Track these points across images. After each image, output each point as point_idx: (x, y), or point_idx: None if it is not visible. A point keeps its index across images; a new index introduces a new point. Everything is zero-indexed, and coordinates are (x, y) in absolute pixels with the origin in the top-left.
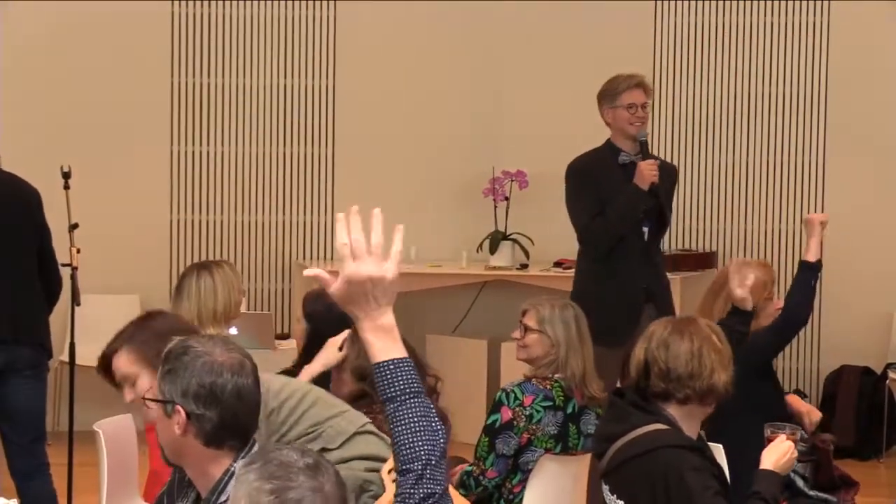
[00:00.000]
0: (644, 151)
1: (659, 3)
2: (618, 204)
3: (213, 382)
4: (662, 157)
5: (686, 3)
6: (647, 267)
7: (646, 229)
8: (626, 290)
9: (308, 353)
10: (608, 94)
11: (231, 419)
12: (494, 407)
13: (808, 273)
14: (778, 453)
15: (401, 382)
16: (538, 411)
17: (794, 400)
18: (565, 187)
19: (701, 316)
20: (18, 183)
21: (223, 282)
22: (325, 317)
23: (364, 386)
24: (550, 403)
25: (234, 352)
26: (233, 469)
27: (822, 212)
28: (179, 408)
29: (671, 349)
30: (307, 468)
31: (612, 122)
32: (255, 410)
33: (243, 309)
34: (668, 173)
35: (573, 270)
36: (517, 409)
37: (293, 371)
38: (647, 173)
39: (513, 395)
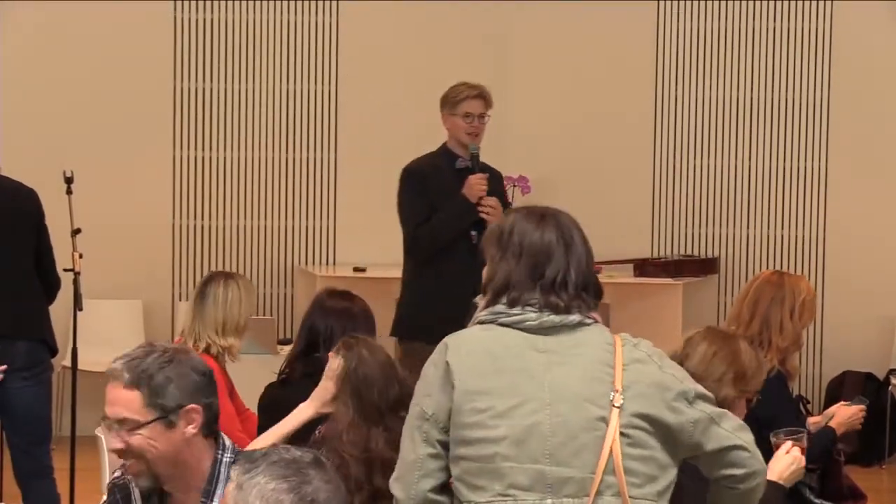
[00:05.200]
0: (475, 164)
1: (661, 3)
2: (445, 214)
3: (204, 372)
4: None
5: (689, 3)
6: (474, 267)
7: (474, 233)
8: (453, 290)
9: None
10: (448, 102)
11: (217, 405)
12: None
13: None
14: (784, 464)
15: None
16: None
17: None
18: (398, 189)
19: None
20: (13, 183)
21: (247, 295)
22: (322, 332)
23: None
24: None
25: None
26: (218, 456)
27: (825, 216)
28: (193, 405)
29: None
30: (314, 462)
31: (450, 128)
32: None
33: None
34: (497, 180)
35: None
36: None
37: (286, 373)
38: (476, 188)
39: None
